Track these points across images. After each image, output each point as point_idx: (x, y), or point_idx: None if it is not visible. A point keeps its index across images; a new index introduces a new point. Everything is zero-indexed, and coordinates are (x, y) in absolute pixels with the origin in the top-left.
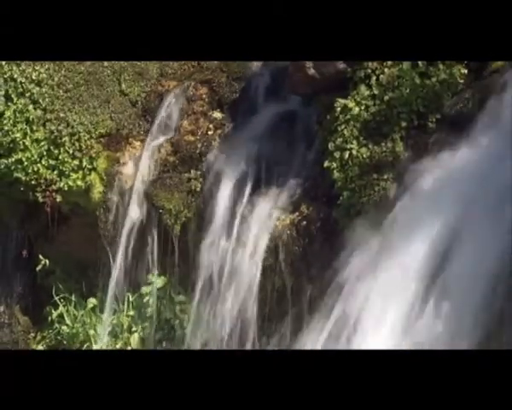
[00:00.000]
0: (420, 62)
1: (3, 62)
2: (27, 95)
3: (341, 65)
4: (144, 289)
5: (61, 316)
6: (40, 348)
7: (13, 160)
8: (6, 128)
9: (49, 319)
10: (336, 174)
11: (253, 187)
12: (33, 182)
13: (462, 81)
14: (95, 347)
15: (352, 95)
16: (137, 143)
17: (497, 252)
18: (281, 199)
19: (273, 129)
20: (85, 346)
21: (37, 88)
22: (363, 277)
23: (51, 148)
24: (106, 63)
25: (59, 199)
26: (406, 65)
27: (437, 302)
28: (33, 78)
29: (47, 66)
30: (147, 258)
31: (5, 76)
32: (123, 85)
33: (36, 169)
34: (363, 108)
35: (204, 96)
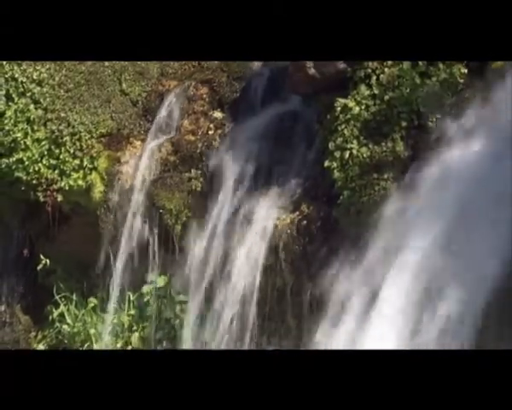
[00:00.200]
0: (420, 62)
1: (4, 62)
2: (28, 94)
3: (341, 65)
4: (145, 289)
5: (61, 315)
6: (41, 347)
7: (14, 159)
8: (7, 128)
9: (50, 318)
10: (336, 174)
11: (254, 186)
12: (34, 181)
13: (462, 81)
14: (95, 346)
15: (353, 94)
16: (138, 143)
17: (496, 252)
18: (281, 198)
19: (273, 129)
20: (86, 345)
21: (38, 88)
22: (362, 277)
23: (52, 147)
24: (107, 63)
25: (60, 198)
26: (406, 65)
27: (437, 302)
28: (34, 77)
29: (48, 66)
30: (147, 257)
31: (6, 76)
32: (124, 85)
33: (37, 169)
34: (363, 107)
35: (204, 95)
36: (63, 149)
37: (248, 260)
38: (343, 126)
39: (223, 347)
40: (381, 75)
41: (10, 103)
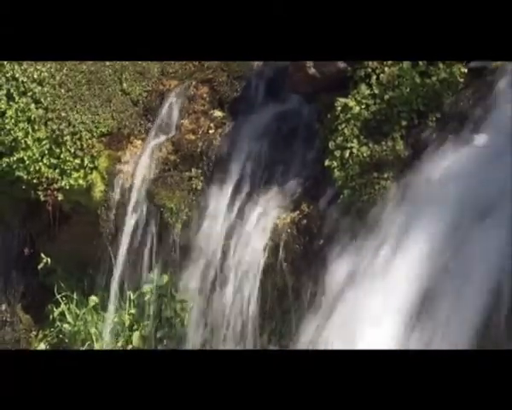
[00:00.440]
0: (420, 61)
1: (5, 62)
2: (29, 94)
3: (342, 64)
4: (145, 288)
5: (62, 314)
6: (42, 346)
7: (14, 159)
8: (8, 127)
9: (51, 317)
10: (337, 173)
11: (254, 186)
12: (35, 181)
13: (462, 80)
14: (96, 345)
15: (353, 94)
16: (138, 142)
17: (497, 252)
18: (281, 198)
19: (273, 128)
20: (87, 344)
21: (39, 87)
22: (362, 277)
23: (53, 147)
24: (107, 62)
25: (60, 198)
26: (406, 64)
27: (436, 302)
28: (35, 77)
29: (49, 65)
30: (148, 256)
31: (7, 75)
32: (124, 85)
33: (37, 168)
34: (363, 106)
35: (205, 95)
36: (64, 148)
37: (248, 260)
38: (343, 126)
39: (223, 347)
40: (381, 75)
41: (11, 103)
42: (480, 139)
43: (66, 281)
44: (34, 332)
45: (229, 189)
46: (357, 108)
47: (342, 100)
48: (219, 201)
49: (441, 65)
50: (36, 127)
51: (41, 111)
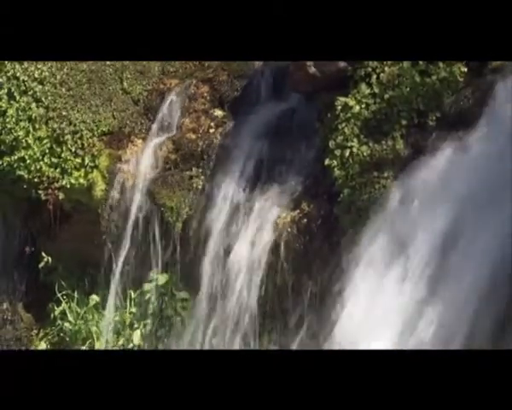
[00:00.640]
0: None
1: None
2: (30, 93)
3: (342, 63)
4: (146, 287)
5: (63, 313)
6: (43, 344)
7: (15, 158)
8: (9, 126)
9: (52, 315)
10: (337, 172)
11: (254, 185)
12: (36, 180)
13: (461, 79)
14: (97, 343)
15: (353, 93)
16: (139, 141)
17: (497, 250)
18: (282, 197)
19: (274, 127)
20: (88, 342)
21: (40, 86)
22: (363, 275)
23: (54, 146)
24: (108, 62)
25: (61, 197)
26: (406, 63)
27: (437, 301)
28: (36, 76)
29: (49, 64)
30: (148, 255)
31: (8, 74)
32: (125, 84)
33: (38, 167)
34: (363, 106)
35: (205, 94)
36: (65, 147)
37: (249, 259)
38: (343, 125)
39: (223, 347)
40: (382, 74)
41: (12, 102)
42: (480, 138)
43: (67, 280)
44: (35, 331)
45: (229, 188)
46: (357, 108)
47: (342, 99)
48: (219, 200)
49: (441, 64)
50: (37, 126)
51: (42, 110)
